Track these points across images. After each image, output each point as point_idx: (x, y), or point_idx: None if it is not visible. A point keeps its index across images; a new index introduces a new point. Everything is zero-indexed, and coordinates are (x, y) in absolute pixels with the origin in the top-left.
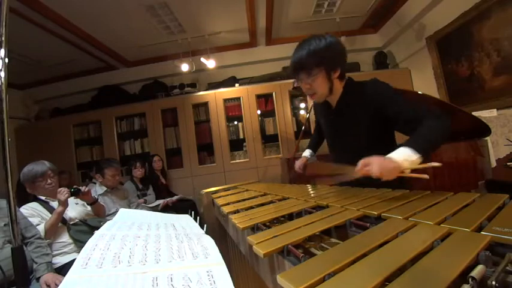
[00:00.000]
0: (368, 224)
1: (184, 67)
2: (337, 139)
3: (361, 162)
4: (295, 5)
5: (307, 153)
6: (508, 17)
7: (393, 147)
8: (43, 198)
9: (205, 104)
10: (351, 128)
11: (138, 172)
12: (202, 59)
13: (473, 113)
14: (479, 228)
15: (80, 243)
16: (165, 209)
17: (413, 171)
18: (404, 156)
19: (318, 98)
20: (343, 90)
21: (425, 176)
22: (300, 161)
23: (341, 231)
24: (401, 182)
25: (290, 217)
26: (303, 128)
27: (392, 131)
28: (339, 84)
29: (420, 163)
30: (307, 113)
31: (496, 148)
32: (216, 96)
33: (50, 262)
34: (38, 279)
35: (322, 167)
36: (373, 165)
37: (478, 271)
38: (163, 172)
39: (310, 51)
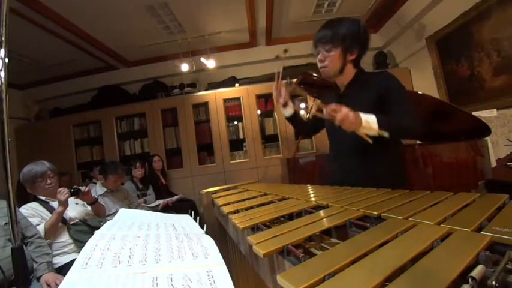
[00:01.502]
0: (368, 224)
1: (184, 67)
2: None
3: (332, 107)
4: (295, 5)
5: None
6: (508, 17)
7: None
8: (43, 198)
9: (205, 104)
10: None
11: (138, 172)
12: (202, 59)
13: (473, 113)
14: (480, 228)
15: (80, 243)
16: (165, 209)
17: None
18: (368, 119)
19: (327, 72)
20: (353, 76)
21: (369, 141)
22: (285, 95)
23: (341, 231)
24: (400, 183)
25: (290, 217)
26: None
27: None
28: (351, 68)
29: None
30: (307, 113)
31: (496, 148)
32: (216, 96)
33: (51, 262)
34: (38, 278)
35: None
36: (341, 113)
37: (478, 271)
38: (163, 172)
39: (342, 26)
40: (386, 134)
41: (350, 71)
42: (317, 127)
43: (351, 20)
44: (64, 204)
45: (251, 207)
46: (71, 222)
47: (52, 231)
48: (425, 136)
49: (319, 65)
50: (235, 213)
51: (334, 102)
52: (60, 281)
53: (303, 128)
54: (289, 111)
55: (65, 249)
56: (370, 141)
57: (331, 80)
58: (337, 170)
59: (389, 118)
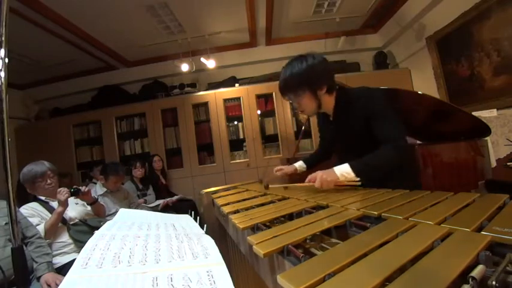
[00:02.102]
0: (368, 224)
1: (184, 67)
2: (341, 144)
3: (308, 178)
4: (295, 5)
5: (299, 163)
6: (508, 17)
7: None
8: (43, 198)
9: (205, 104)
10: (350, 134)
11: (138, 172)
12: (202, 59)
13: (473, 113)
14: (480, 228)
15: (80, 243)
16: (165, 209)
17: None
18: (343, 172)
19: (307, 113)
20: (335, 101)
21: (356, 184)
22: (288, 168)
23: (341, 231)
24: (400, 183)
25: (290, 217)
26: (303, 128)
27: None
28: (328, 98)
29: (351, 180)
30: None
31: (496, 148)
32: (216, 96)
33: (51, 262)
34: (38, 278)
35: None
36: (316, 179)
37: (478, 271)
38: (163, 172)
39: (292, 74)
40: (359, 183)
41: (329, 101)
42: (331, 148)
43: (301, 60)
44: (64, 204)
45: (251, 207)
46: (71, 222)
47: (52, 232)
48: (425, 136)
49: (297, 109)
50: (235, 213)
51: (328, 127)
52: (60, 281)
53: (323, 158)
54: (302, 168)
55: (65, 249)
56: (358, 183)
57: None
58: None
59: (363, 160)
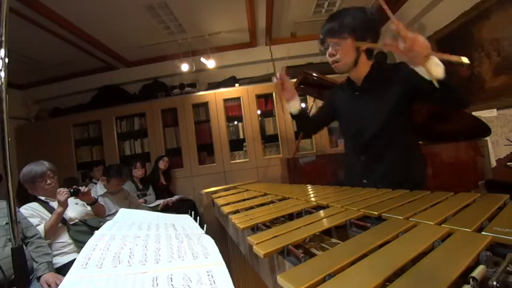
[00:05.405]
0: (368, 224)
1: (184, 67)
2: (356, 119)
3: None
4: (295, 5)
5: (298, 105)
6: (508, 17)
7: (409, 133)
8: (43, 198)
9: (205, 104)
10: (374, 107)
11: (139, 172)
12: (202, 59)
13: (473, 113)
14: (480, 229)
15: (79, 244)
16: (165, 209)
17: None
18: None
19: (341, 67)
20: (371, 68)
21: (464, 60)
22: (288, 83)
23: (341, 232)
24: (400, 184)
25: (290, 217)
26: None
27: (411, 118)
28: (365, 60)
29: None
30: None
31: (496, 148)
32: (216, 96)
33: (51, 262)
34: (38, 278)
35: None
36: (414, 41)
37: (479, 271)
38: (165, 173)
39: (348, 15)
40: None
41: (365, 63)
42: (320, 125)
43: (357, 8)
44: (64, 204)
45: (251, 207)
46: (71, 223)
47: (52, 232)
48: (425, 136)
49: (330, 60)
50: (235, 213)
51: (349, 99)
52: (60, 281)
53: (308, 125)
54: (295, 106)
55: (65, 250)
56: (436, 83)
57: (336, 80)
58: (357, 165)
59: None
